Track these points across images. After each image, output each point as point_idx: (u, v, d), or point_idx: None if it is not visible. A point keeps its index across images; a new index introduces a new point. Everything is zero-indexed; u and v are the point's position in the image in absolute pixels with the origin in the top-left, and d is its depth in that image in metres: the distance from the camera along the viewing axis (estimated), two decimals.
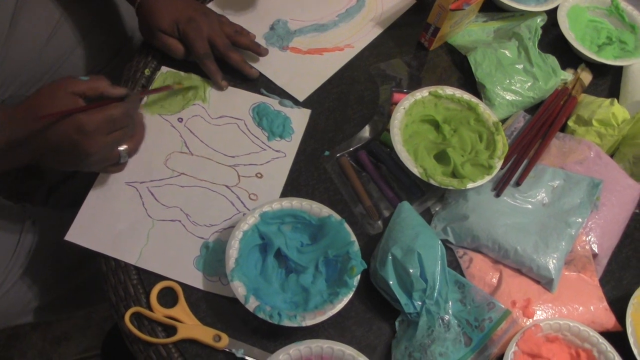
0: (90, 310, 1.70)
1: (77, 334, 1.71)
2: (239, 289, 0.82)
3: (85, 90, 0.79)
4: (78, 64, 1.20)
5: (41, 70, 1.15)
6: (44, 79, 1.16)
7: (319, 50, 1.14)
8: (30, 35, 1.11)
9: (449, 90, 1.04)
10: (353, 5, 1.22)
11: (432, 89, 1.03)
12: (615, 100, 1.06)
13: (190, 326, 0.84)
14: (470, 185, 0.94)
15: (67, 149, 0.78)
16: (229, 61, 1.04)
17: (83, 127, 0.76)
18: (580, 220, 0.95)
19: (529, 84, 1.10)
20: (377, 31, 1.19)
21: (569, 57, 1.19)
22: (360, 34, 1.17)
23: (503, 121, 1.09)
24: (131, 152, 0.87)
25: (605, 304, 0.92)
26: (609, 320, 0.91)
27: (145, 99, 1.01)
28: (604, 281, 0.96)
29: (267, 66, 1.09)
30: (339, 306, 0.83)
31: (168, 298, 0.86)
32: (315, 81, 1.09)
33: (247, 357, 0.83)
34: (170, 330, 0.84)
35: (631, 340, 0.88)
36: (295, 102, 1.06)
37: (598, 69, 1.18)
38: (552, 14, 1.22)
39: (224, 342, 0.83)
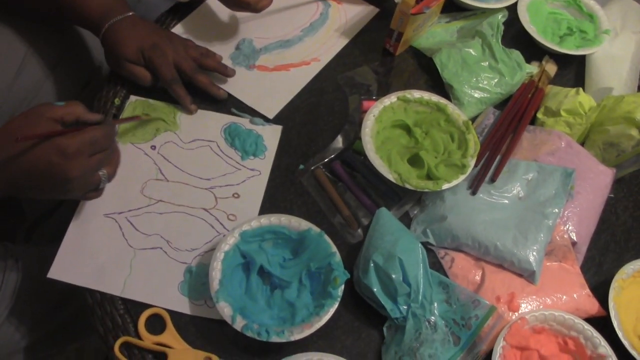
0: (83, 343, 1.69)
1: None
2: (225, 310, 0.82)
3: (63, 115, 0.79)
4: (48, 98, 1.19)
5: (11, 108, 1.14)
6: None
7: (286, 66, 1.14)
8: None
9: (417, 94, 1.05)
10: (317, 19, 1.23)
11: (400, 93, 1.04)
12: (581, 89, 1.07)
13: (180, 351, 0.84)
14: (445, 186, 0.95)
15: (48, 174, 0.77)
16: (197, 84, 1.04)
17: (64, 149, 0.75)
18: (556, 210, 0.96)
19: (496, 80, 1.12)
20: (342, 42, 1.20)
21: (532, 50, 1.21)
22: (325, 47, 1.18)
23: (473, 119, 1.11)
24: (110, 176, 0.87)
25: (587, 290, 0.93)
26: (593, 307, 0.92)
27: (117, 128, 1.01)
28: (585, 268, 0.98)
29: (235, 86, 1.09)
30: (326, 318, 0.83)
31: (156, 325, 0.86)
32: (283, 97, 1.10)
33: None
34: (161, 356, 0.84)
35: (615, 324, 0.89)
36: (266, 119, 1.06)
37: (562, 59, 1.20)
38: (512, 9, 1.23)
39: None
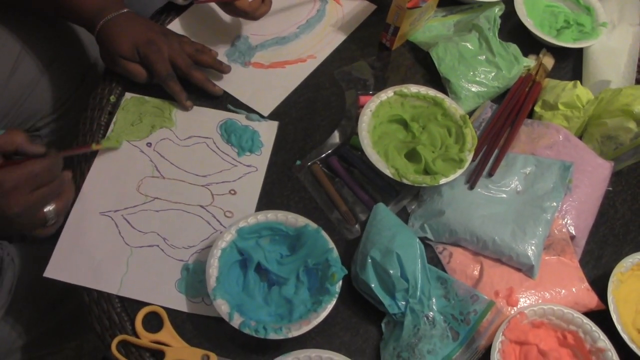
0: (81, 341, 1.69)
1: None
2: (223, 307, 0.82)
3: (1, 144, 0.75)
4: (43, 95, 1.19)
5: (6, 106, 1.14)
6: (11, 114, 1.15)
7: (281, 63, 1.14)
8: None
9: (413, 89, 1.04)
10: (313, 16, 1.22)
11: (397, 88, 1.04)
12: (578, 82, 1.07)
13: (178, 349, 0.83)
14: (443, 181, 0.95)
15: None
16: (192, 80, 1.04)
17: (0, 185, 0.71)
18: (554, 204, 0.96)
19: (493, 74, 1.11)
20: (339, 39, 1.19)
21: (530, 43, 1.20)
22: (322, 44, 1.18)
23: (470, 113, 1.10)
24: (60, 213, 0.81)
25: (586, 284, 0.93)
26: (592, 300, 0.92)
27: (110, 128, 1.01)
28: (584, 262, 0.97)
29: (230, 83, 1.09)
30: (324, 314, 0.83)
31: (153, 323, 0.86)
32: (278, 95, 1.09)
33: None
34: (158, 354, 0.84)
35: (614, 318, 0.89)
36: (262, 115, 1.06)
37: (559, 52, 1.20)
38: (509, 2, 1.23)
39: None
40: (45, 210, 0.79)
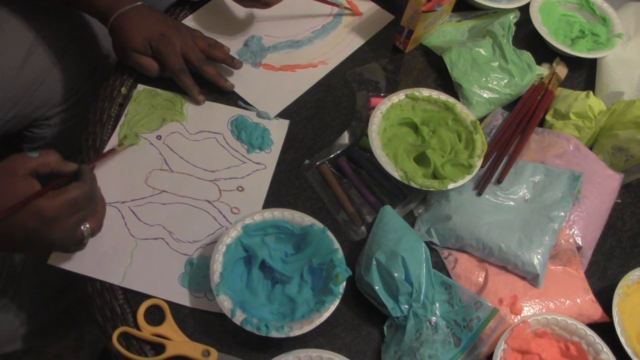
0: (82, 332, 1.69)
1: (70, 357, 1.69)
2: (225, 303, 0.82)
3: (37, 167, 0.76)
4: (54, 85, 1.19)
5: (17, 94, 1.14)
6: (21, 102, 1.15)
7: (292, 67, 1.13)
8: (4, 60, 1.11)
9: (425, 92, 1.04)
10: (329, 22, 1.21)
11: (409, 91, 1.04)
12: (591, 92, 1.07)
13: (179, 343, 0.83)
14: (451, 186, 0.95)
15: (27, 239, 0.74)
16: (204, 75, 1.04)
17: (43, 214, 0.72)
18: (562, 214, 0.95)
19: (505, 80, 1.11)
20: (352, 47, 1.18)
21: (543, 52, 1.20)
22: (335, 50, 1.17)
23: (481, 119, 1.10)
24: (94, 231, 0.84)
25: (591, 295, 0.92)
26: (596, 312, 0.91)
27: (122, 119, 1.01)
28: (589, 273, 0.97)
29: (239, 83, 1.08)
30: (326, 314, 0.83)
31: (155, 316, 0.86)
32: (285, 98, 1.08)
33: None
34: (159, 348, 0.83)
35: (618, 330, 0.89)
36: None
37: (573, 62, 1.19)
38: (524, 10, 1.22)
39: (213, 357, 0.83)
40: (82, 229, 0.81)
